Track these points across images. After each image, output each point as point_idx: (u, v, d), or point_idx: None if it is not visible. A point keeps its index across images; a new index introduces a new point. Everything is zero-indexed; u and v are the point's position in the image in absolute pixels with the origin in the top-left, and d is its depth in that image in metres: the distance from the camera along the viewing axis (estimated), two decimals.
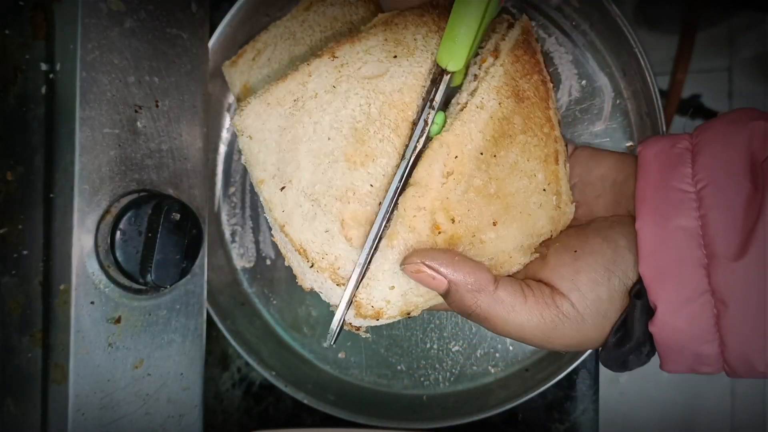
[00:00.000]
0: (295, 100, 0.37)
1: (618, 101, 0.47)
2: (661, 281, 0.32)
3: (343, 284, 0.36)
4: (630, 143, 0.47)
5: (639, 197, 0.34)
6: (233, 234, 0.52)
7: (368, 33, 0.37)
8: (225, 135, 0.53)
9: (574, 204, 0.38)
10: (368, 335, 0.39)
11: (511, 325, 0.34)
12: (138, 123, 0.38)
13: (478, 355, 0.50)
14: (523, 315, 0.34)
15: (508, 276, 0.36)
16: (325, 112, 0.36)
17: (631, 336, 0.33)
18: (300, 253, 0.37)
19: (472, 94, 0.37)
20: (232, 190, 0.52)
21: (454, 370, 0.50)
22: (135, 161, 0.37)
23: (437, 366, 0.51)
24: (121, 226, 0.35)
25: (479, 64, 0.38)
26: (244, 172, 0.52)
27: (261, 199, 0.38)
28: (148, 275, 0.36)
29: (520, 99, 0.37)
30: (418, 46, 0.37)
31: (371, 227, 0.36)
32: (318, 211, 0.36)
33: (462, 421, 0.47)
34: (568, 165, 0.38)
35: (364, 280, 0.36)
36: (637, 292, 0.33)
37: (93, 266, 0.36)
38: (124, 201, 0.37)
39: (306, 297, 0.52)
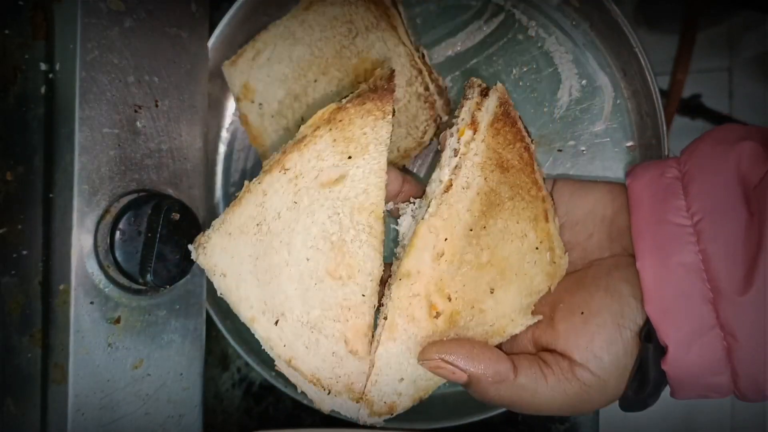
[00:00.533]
0: (258, 225, 0.35)
1: (618, 101, 0.47)
2: (669, 319, 0.32)
3: (362, 399, 0.36)
4: (630, 143, 0.46)
5: (635, 235, 0.34)
6: None
7: (313, 137, 0.35)
8: (225, 135, 0.53)
9: (566, 254, 0.38)
10: (383, 423, 0.38)
11: (537, 406, 0.34)
12: (138, 123, 0.38)
13: None
14: (547, 395, 0.33)
15: (525, 355, 0.36)
16: (294, 232, 0.35)
17: (647, 380, 0.33)
18: (314, 384, 0.36)
19: (455, 172, 0.36)
20: (232, 190, 0.52)
21: None
22: (134, 161, 0.37)
23: None
24: (120, 226, 0.35)
25: (457, 136, 0.37)
26: (244, 171, 0.52)
27: (257, 336, 0.37)
28: (148, 275, 0.36)
29: (504, 169, 0.36)
30: (369, 140, 0.35)
31: (373, 333, 0.36)
32: (320, 336, 0.36)
33: (462, 421, 0.47)
34: (557, 219, 0.38)
35: (371, 377, 0.36)
36: (647, 334, 0.33)
37: (92, 266, 0.36)
38: (124, 201, 0.37)
39: None
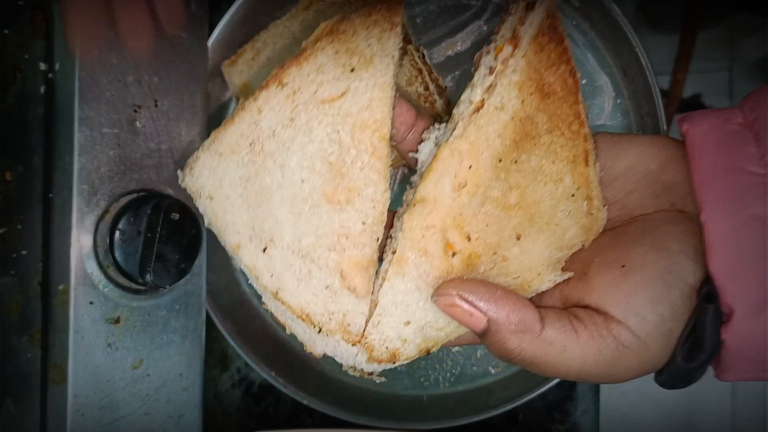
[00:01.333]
0: (251, 144, 0.33)
1: (618, 101, 0.47)
2: (738, 281, 0.28)
3: (358, 342, 0.33)
4: None
5: (698, 185, 0.29)
6: None
7: (314, 49, 0.33)
8: None
9: (606, 207, 0.33)
10: (383, 379, 0.34)
11: (564, 367, 0.30)
12: (137, 123, 0.38)
13: (479, 355, 0.50)
14: (577, 354, 0.29)
15: (553, 308, 0.31)
16: (289, 151, 0.32)
17: (702, 347, 0.29)
18: (303, 320, 0.33)
19: (489, 91, 0.31)
20: None
21: (454, 371, 0.50)
22: (134, 161, 0.37)
23: (437, 366, 0.51)
24: (120, 226, 0.35)
25: (494, 53, 0.32)
26: None
27: (241, 266, 0.34)
28: (147, 275, 0.36)
29: (545, 94, 0.31)
30: (374, 52, 0.32)
31: (375, 270, 0.32)
32: (312, 267, 0.32)
33: (462, 421, 0.47)
34: (598, 165, 0.33)
35: (373, 317, 0.32)
36: (707, 295, 0.29)
37: (92, 266, 0.36)
38: (123, 201, 0.37)
39: None
